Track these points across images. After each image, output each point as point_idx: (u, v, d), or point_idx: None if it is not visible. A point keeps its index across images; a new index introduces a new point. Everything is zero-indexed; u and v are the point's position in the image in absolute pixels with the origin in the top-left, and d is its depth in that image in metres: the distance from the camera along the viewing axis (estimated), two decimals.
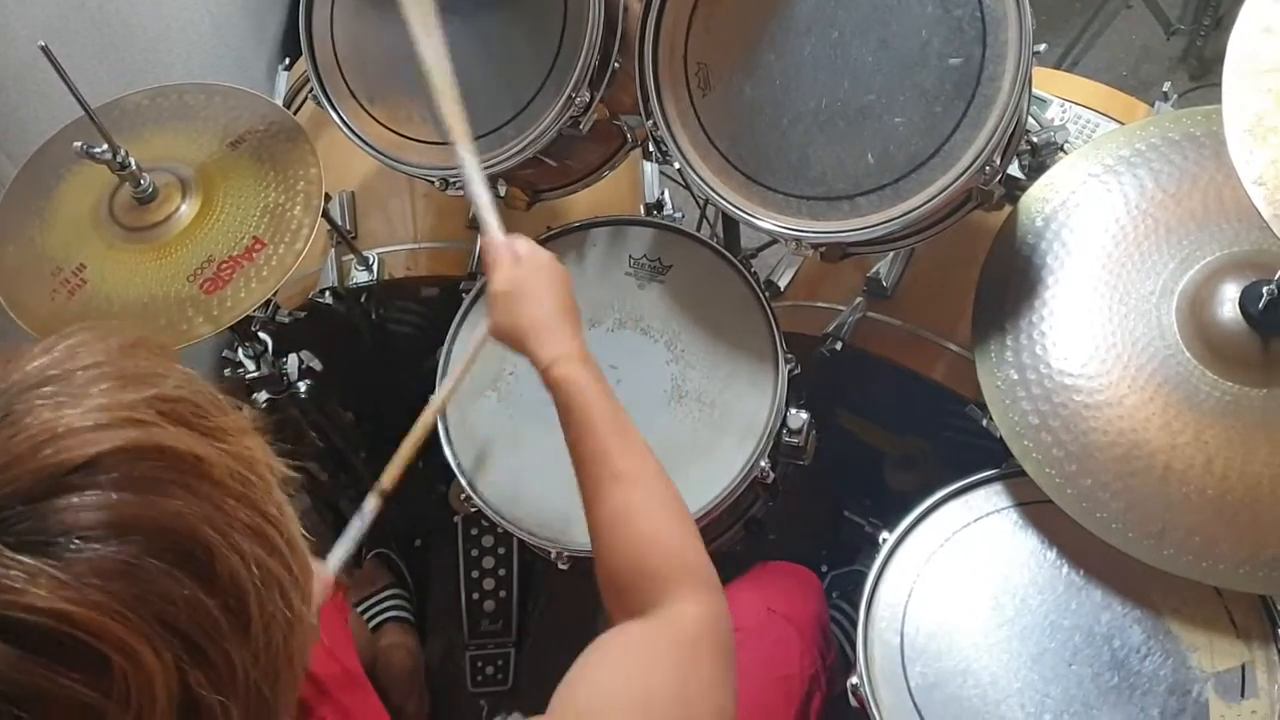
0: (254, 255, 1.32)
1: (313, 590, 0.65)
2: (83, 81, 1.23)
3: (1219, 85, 1.01)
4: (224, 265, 1.32)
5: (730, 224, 1.67)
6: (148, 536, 0.53)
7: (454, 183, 1.43)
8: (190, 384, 0.62)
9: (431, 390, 1.43)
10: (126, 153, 1.30)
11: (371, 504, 1.17)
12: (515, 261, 1.10)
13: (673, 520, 0.98)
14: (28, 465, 0.52)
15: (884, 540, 1.31)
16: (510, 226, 1.67)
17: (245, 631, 0.57)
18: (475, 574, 1.94)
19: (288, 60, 2.03)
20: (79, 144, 1.26)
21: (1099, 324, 1.27)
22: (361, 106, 1.47)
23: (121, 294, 1.32)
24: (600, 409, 1.01)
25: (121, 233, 1.35)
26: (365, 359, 1.83)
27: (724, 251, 1.45)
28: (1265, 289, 1.17)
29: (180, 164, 1.41)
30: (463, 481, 1.38)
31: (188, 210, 1.36)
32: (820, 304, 1.63)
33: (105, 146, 1.27)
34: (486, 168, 1.38)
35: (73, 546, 0.51)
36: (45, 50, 1.18)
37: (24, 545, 0.50)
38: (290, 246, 1.33)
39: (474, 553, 1.94)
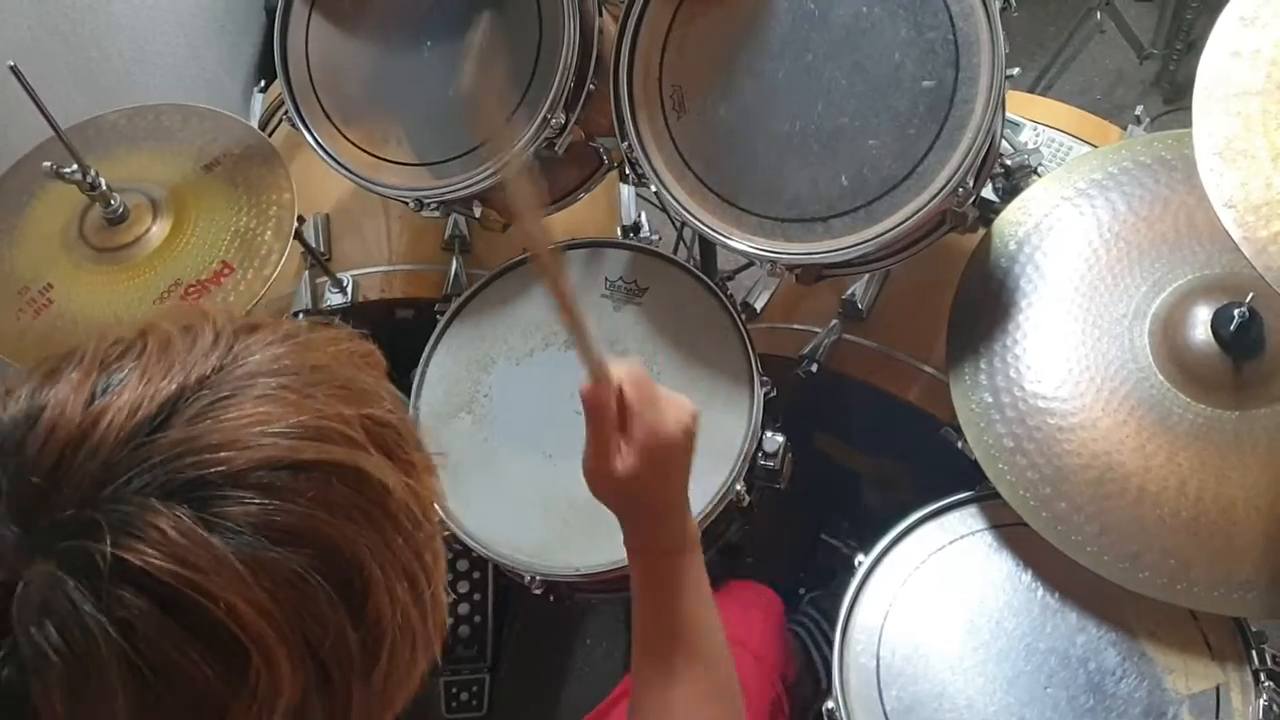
0: (221, 280, 1.31)
1: (437, 652, 0.64)
2: (55, 102, 1.23)
3: (1191, 108, 1.01)
4: (191, 289, 1.31)
5: (707, 246, 1.67)
6: (323, 555, 0.53)
7: (429, 204, 1.42)
8: (399, 410, 0.63)
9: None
10: (96, 173, 1.29)
11: None
12: (633, 434, 0.89)
13: None
14: (243, 450, 0.52)
15: (860, 563, 1.31)
16: (486, 248, 1.70)
17: (369, 674, 0.57)
18: (450, 598, 1.92)
19: (263, 82, 2.03)
20: (48, 164, 1.25)
21: (1073, 347, 1.27)
22: (336, 128, 1.46)
23: (87, 315, 1.31)
24: (686, 605, 0.94)
25: (91, 253, 1.34)
26: None
27: (700, 274, 1.44)
28: (1237, 311, 1.18)
29: (153, 185, 1.40)
30: (436, 505, 1.37)
31: (158, 232, 1.35)
32: (796, 326, 1.63)
33: (75, 167, 1.26)
34: (462, 189, 1.38)
35: (260, 544, 0.51)
36: (15, 70, 1.18)
37: (215, 527, 0.50)
38: (259, 272, 1.31)
39: (449, 577, 1.92)
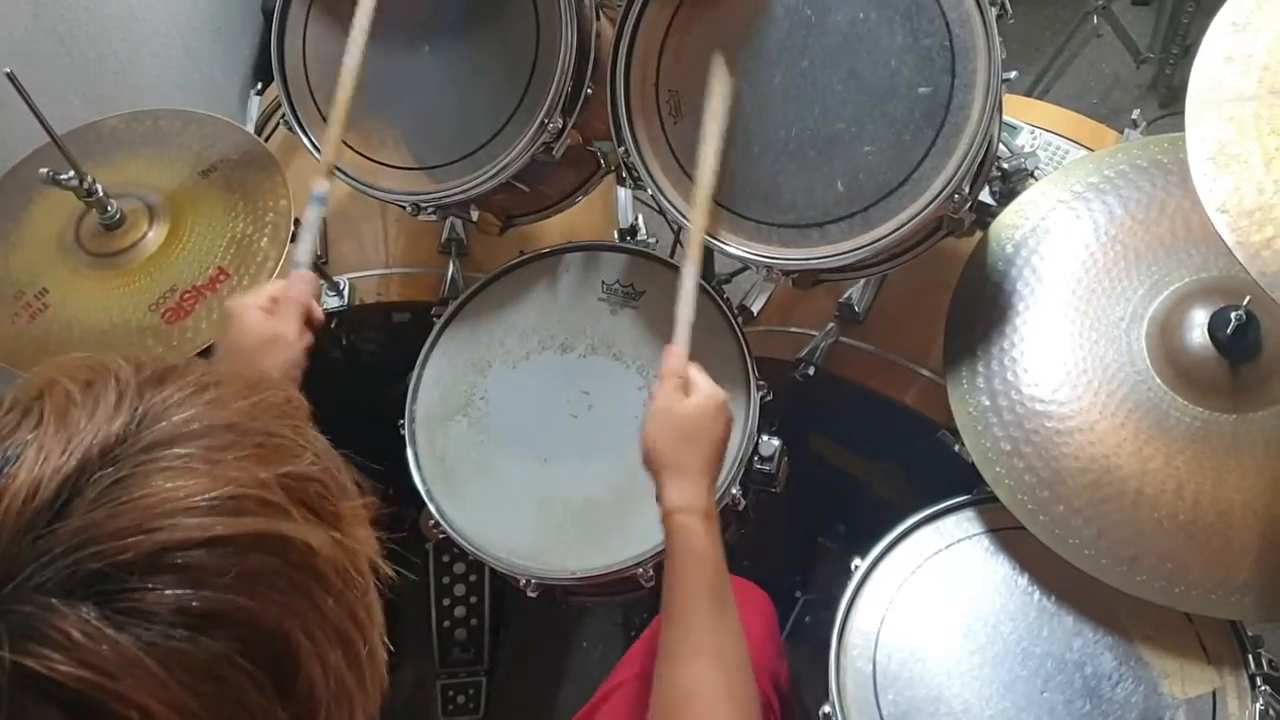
0: (217, 286, 1.31)
1: (377, 708, 0.62)
2: (52, 105, 1.23)
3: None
4: (186, 295, 1.31)
5: (703, 250, 1.67)
6: (248, 635, 0.51)
7: (425, 208, 1.42)
8: (323, 460, 0.60)
9: (401, 415, 1.42)
10: (93, 179, 1.29)
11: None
12: (695, 392, 1.10)
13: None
14: (151, 534, 0.49)
15: (856, 567, 1.30)
16: (483, 252, 1.70)
17: None
18: (446, 602, 1.92)
19: (260, 85, 2.02)
20: (44, 170, 1.25)
21: (1070, 350, 1.27)
22: None
23: (82, 320, 1.31)
24: (707, 573, 1.01)
25: (87, 258, 1.34)
26: (334, 384, 1.81)
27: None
28: (1233, 315, 1.18)
29: (150, 191, 1.40)
30: (432, 508, 1.37)
31: (154, 238, 1.36)
32: (793, 329, 1.63)
33: (72, 173, 1.26)
34: (459, 193, 1.38)
35: (172, 635, 0.48)
36: (11, 77, 1.17)
37: (123, 624, 0.47)
38: (255, 278, 1.32)
39: (445, 580, 1.93)
